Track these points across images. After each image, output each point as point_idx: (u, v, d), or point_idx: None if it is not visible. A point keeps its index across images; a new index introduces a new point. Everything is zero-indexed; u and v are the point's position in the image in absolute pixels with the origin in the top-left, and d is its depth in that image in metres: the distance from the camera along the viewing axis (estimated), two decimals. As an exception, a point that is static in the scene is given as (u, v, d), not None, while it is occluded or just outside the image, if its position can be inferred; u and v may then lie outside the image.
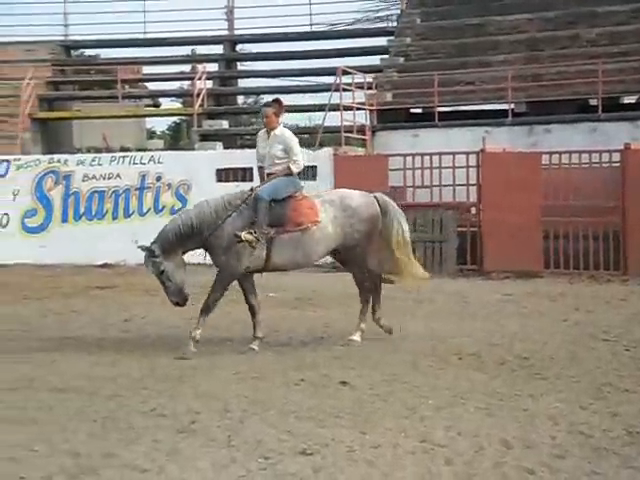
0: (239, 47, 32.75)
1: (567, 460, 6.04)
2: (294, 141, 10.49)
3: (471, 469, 5.90)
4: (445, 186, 19.31)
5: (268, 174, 10.41)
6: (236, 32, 31.89)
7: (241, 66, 33.23)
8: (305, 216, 10.38)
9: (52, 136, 27.71)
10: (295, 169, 10.46)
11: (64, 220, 21.40)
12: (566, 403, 7.65)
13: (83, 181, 21.68)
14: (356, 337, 10.48)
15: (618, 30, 24.17)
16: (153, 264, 10.20)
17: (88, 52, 35.28)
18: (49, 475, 5.83)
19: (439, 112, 22.86)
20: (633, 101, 23.89)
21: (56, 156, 22.56)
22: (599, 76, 21.26)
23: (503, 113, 22.54)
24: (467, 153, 19.22)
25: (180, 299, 10.25)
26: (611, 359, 9.59)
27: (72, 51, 32.18)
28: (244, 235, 9.91)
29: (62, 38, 31.48)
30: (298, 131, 30.97)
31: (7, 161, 22.32)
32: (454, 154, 19.28)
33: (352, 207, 10.64)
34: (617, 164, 17.89)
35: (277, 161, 10.38)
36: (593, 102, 22.20)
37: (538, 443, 6.44)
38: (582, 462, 6.01)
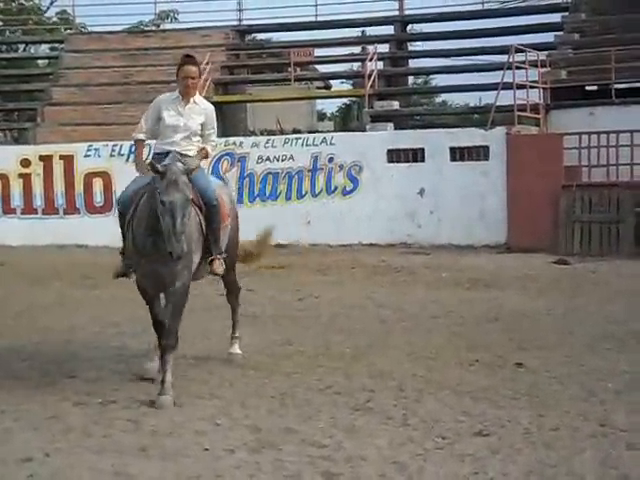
0: (410, 27, 32.61)
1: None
2: (214, 115, 8.19)
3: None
4: (622, 165, 18.80)
5: (180, 154, 7.72)
6: (406, 12, 31.76)
7: (412, 46, 33.11)
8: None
9: (227, 119, 28.31)
10: (211, 151, 8.23)
11: (239, 201, 21.87)
12: None
13: (257, 163, 22.13)
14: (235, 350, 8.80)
15: None
16: None
17: (260, 36, 35.88)
18: (232, 448, 6.02)
19: (616, 89, 22.17)
20: None
21: (231, 139, 23.06)
22: None
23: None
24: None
25: None
26: None
27: (246, 36, 32.78)
28: None
29: (236, 23, 32.09)
30: (469, 110, 30.97)
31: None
32: (632, 132, 18.71)
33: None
34: None
35: (194, 138, 7.99)
36: None
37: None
38: None
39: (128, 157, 21.15)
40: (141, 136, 8.04)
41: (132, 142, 8.53)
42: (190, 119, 7.92)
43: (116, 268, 7.97)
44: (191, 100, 7.96)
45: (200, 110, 8.01)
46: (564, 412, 6.69)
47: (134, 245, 7.53)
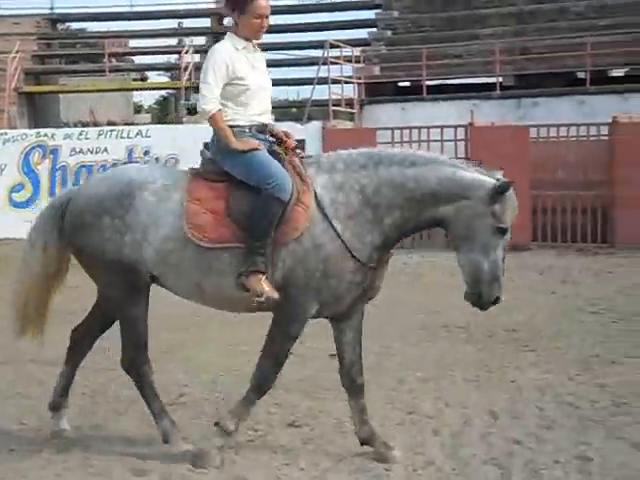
0: (227, 20, 32.56)
1: (554, 431, 6.09)
2: None
3: (458, 440, 5.95)
4: (433, 160, 19.29)
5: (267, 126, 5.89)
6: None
7: (228, 39, 33.06)
8: None
9: (39, 110, 27.58)
10: None
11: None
12: (553, 375, 7.71)
13: (70, 155, 21.57)
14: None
15: (605, 3, 24.13)
16: None
17: (74, 25, 35.06)
18: (39, 448, 5.85)
19: (427, 85, 22.83)
20: (621, 74, 23.87)
21: (43, 130, 22.42)
22: (587, 49, 21.25)
23: (491, 86, 22.55)
24: (455, 126, 19.16)
25: None
26: (598, 331, 9.64)
27: (58, 24, 31.97)
28: None
29: (48, 11, 31.26)
30: (288, 104, 31.20)
31: (-6, 135, 22.22)
32: (442, 127, 19.23)
33: None
34: (605, 137, 17.88)
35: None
36: (581, 75, 22.21)
37: (525, 414, 6.49)
38: (569, 432, 6.07)
39: None
40: (219, 105, 5.67)
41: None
42: (266, 75, 6.08)
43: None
44: (256, 48, 6.08)
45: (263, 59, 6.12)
46: (374, 401, 6.81)
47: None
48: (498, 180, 5.37)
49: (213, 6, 31.19)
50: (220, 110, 5.61)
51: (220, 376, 7.71)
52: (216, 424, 5.62)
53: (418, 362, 8.21)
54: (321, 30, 27.69)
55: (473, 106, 20.97)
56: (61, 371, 6.24)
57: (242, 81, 5.71)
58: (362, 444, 5.74)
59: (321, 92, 22.56)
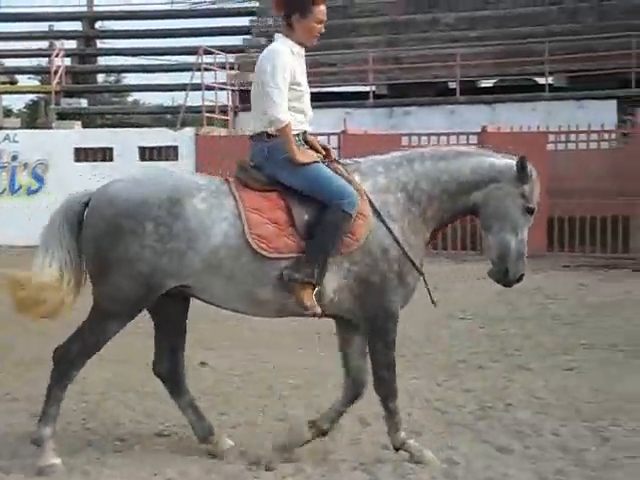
0: (98, 24, 32.10)
1: (423, 436, 6.16)
2: None
3: (329, 445, 5.95)
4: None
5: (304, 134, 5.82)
6: (95, 9, 31.24)
7: (101, 44, 32.58)
8: None
9: None
10: None
11: None
12: (423, 380, 7.83)
13: None
14: None
15: (475, 15, 24.67)
16: None
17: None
18: None
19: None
20: (490, 85, 24.46)
21: None
22: (457, 60, 21.68)
23: (364, 95, 22.78)
24: (329, 134, 19.30)
25: None
26: (466, 337, 9.83)
27: None
28: None
29: None
30: (162, 110, 30.85)
31: None
32: (315, 135, 19.31)
33: None
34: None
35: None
36: (452, 85, 22.65)
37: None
38: (437, 437, 6.15)
39: None
40: (289, 114, 5.56)
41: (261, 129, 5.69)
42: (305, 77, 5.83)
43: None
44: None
45: None
46: (244, 408, 6.79)
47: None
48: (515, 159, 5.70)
49: (85, 9, 30.70)
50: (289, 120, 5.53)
51: (89, 385, 7.55)
52: (397, 449, 5.70)
53: (290, 369, 8.21)
54: (196, 36, 27.50)
55: (346, 114, 21.19)
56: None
57: (299, 87, 5.64)
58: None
59: (195, 99, 22.46)
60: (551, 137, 18.00)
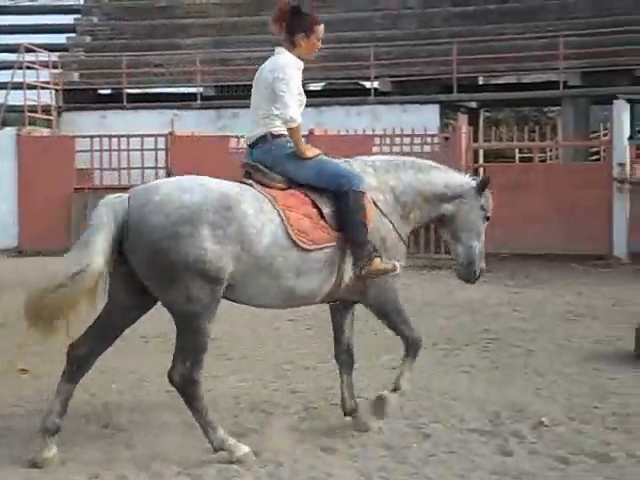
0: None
1: (249, 438, 6.14)
2: None
3: (152, 453, 5.86)
4: (134, 169, 19.16)
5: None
6: None
7: None
8: None
9: None
10: None
11: None
12: (249, 382, 7.83)
13: None
14: None
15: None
16: None
17: None
18: None
19: (127, 94, 22.62)
20: (319, 88, 24.70)
21: None
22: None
23: (192, 96, 22.66)
24: (156, 136, 19.17)
25: None
26: (293, 338, 9.89)
27: None
28: None
29: None
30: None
31: None
32: (142, 136, 19.15)
33: None
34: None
35: None
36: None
37: (221, 423, 6.50)
38: (262, 439, 6.14)
39: None
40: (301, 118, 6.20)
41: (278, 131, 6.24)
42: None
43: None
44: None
45: None
46: (66, 416, 6.61)
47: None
48: (476, 179, 6.73)
49: None
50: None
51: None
52: (394, 390, 6.31)
53: (114, 374, 8.05)
54: (17, 33, 26.66)
55: (174, 116, 21.05)
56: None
57: (300, 96, 6.25)
58: (346, 415, 6.49)
59: (17, 98, 21.78)
60: (376, 140, 18.35)
